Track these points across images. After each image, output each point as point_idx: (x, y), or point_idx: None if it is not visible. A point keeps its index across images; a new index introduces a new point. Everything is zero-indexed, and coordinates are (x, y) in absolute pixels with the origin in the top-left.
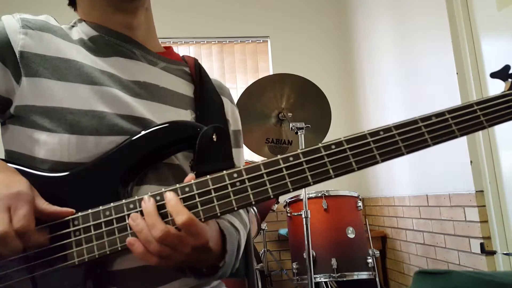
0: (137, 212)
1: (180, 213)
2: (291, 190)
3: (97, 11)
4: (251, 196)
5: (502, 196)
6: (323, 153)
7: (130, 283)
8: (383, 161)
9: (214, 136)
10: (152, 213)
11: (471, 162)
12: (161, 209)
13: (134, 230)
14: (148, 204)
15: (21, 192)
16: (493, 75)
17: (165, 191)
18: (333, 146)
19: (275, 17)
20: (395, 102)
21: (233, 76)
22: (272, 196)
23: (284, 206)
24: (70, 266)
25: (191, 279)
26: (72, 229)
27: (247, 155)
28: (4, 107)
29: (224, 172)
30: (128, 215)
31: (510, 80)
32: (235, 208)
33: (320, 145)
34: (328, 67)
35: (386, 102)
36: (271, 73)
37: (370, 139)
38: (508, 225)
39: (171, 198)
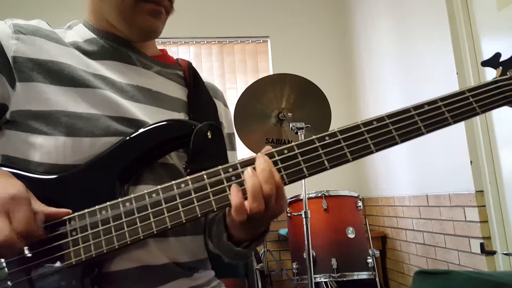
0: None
1: (276, 173)
2: (287, 182)
3: (101, 16)
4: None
5: (502, 196)
6: (317, 144)
7: (128, 284)
8: (377, 150)
9: (208, 134)
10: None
11: (471, 162)
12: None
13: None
14: (264, 159)
15: (17, 195)
16: (484, 63)
17: (162, 187)
18: (327, 138)
19: (275, 17)
20: (395, 102)
21: (233, 76)
22: None
23: None
24: (68, 267)
25: (190, 279)
26: (68, 228)
27: (247, 155)
28: (0, 113)
29: (219, 166)
30: (125, 213)
31: (501, 67)
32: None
33: (314, 137)
34: (328, 67)
35: (386, 102)
36: (271, 73)
37: (363, 129)
38: (508, 225)
39: (267, 161)
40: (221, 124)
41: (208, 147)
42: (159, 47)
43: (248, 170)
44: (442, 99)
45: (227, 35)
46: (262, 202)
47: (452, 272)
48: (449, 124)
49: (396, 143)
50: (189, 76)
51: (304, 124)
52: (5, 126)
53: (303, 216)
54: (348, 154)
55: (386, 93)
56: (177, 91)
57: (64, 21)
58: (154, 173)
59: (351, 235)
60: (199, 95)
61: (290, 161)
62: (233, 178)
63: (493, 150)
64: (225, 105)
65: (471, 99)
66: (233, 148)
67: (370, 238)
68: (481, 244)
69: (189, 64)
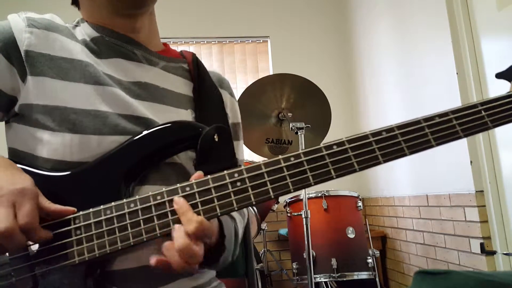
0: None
1: (190, 222)
2: (292, 190)
3: (100, 14)
4: (251, 196)
5: (502, 196)
6: (325, 153)
7: (130, 283)
8: (385, 161)
9: (215, 137)
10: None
11: (471, 162)
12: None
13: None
14: (181, 203)
15: (26, 189)
16: (499, 75)
17: (167, 190)
18: (334, 146)
19: (275, 17)
20: (395, 102)
21: (233, 76)
22: (272, 196)
23: (284, 206)
24: (71, 265)
25: (192, 279)
26: (73, 226)
27: (247, 155)
28: (9, 105)
29: (225, 171)
30: (129, 214)
31: None
32: (235, 208)
33: (321, 145)
34: (328, 67)
35: (386, 102)
36: (271, 73)
37: (372, 139)
38: (508, 225)
39: (180, 206)
40: (226, 115)
41: (215, 150)
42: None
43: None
44: (454, 111)
45: (227, 35)
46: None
47: (452, 272)
48: (460, 137)
49: (405, 155)
50: (194, 69)
51: (304, 124)
52: (13, 119)
53: (303, 216)
54: (355, 164)
55: (386, 93)
56: (183, 87)
57: (69, 18)
58: (161, 172)
59: (351, 235)
60: (205, 88)
61: (296, 168)
62: (238, 183)
63: (493, 150)
64: (231, 94)
65: (483, 113)
66: (238, 138)
67: (370, 238)
68: (481, 244)
69: (193, 56)
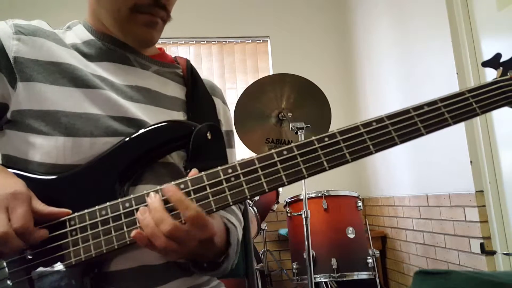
0: (145, 206)
1: (188, 208)
2: (286, 183)
3: (99, 20)
4: (246, 190)
5: (502, 196)
6: (317, 145)
7: (128, 283)
8: (376, 151)
9: (208, 134)
10: (159, 208)
11: (471, 162)
12: (165, 204)
13: (141, 225)
14: (154, 199)
15: (18, 192)
16: (485, 64)
17: (164, 187)
18: (326, 139)
19: (275, 17)
20: (395, 102)
21: (233, 76)
22: (267, 190)
23: (284, 206)
24: (67, 266)
25: (190, 278)
26: (68, 229)
27: (247, 155)
28: (1, 112)
29: (219, 167)
30: (124, 214)
31: (501, 68)
32: (230, 203)
33: (313, 138)
34: (328, 67)
35: (386, 102)
36: (271, 73)
37: (363, 130)
38: (508, 225)
39: (175, 193)
40: (219, 122)
41: (208, 148)
42: (158, 46)
43: (141, 210)
44: (442, 99)
45: (227, 35)
46: (165, 240)
47: (452, 272)
48: (449, 124)
49: (396, 144)
50: (188, 74)
51: (304, 124)
52: (6, 126)
53: (303, 216)
54: (347, 155)
55: (386, 93)
56: (176, 90)
57: (64, 21)
58: (154, 172)
59: (351, 235)
60: (198, 93)
61: (289, 162)
62: (232, 179)
63: (493, 150)
64: (224, 102)
65: (471, 100)
66: (231, 145)
67: (370, 238)
68: (481, 244)
69: (187, 62)
